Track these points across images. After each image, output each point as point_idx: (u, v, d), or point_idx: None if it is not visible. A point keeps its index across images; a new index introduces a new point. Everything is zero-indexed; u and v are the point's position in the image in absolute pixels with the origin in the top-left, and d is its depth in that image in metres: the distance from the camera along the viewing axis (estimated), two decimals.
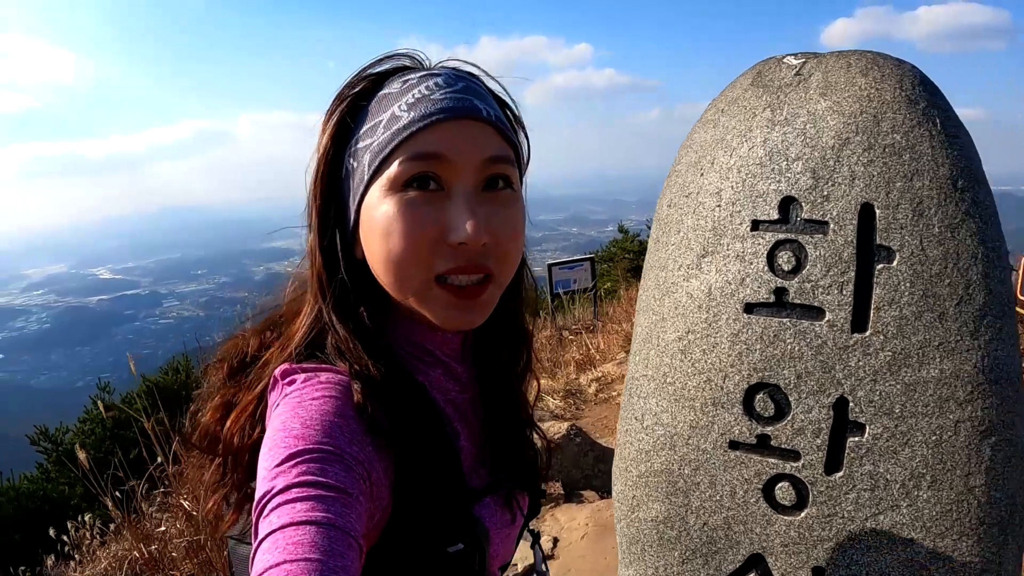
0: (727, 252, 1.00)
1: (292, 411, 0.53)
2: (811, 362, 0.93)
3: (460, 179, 0.56)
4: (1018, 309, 4.73)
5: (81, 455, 2.96)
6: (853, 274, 0.91)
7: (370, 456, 0.53)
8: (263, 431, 0.57)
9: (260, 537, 0.45)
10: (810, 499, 0.96)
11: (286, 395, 0.56)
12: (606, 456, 2.83)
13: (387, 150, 0.56)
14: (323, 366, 0.58)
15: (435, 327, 0.62)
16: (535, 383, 0.81)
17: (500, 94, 0.64)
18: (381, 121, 0.57)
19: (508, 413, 0.71)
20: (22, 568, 3.56)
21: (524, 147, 0.65)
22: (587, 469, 2.79)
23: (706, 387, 1.02)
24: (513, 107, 0.65)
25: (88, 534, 3.23)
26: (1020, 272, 4.58)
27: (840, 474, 0.94)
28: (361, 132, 0.59)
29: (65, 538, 3.22)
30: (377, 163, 0.56)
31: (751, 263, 0.98)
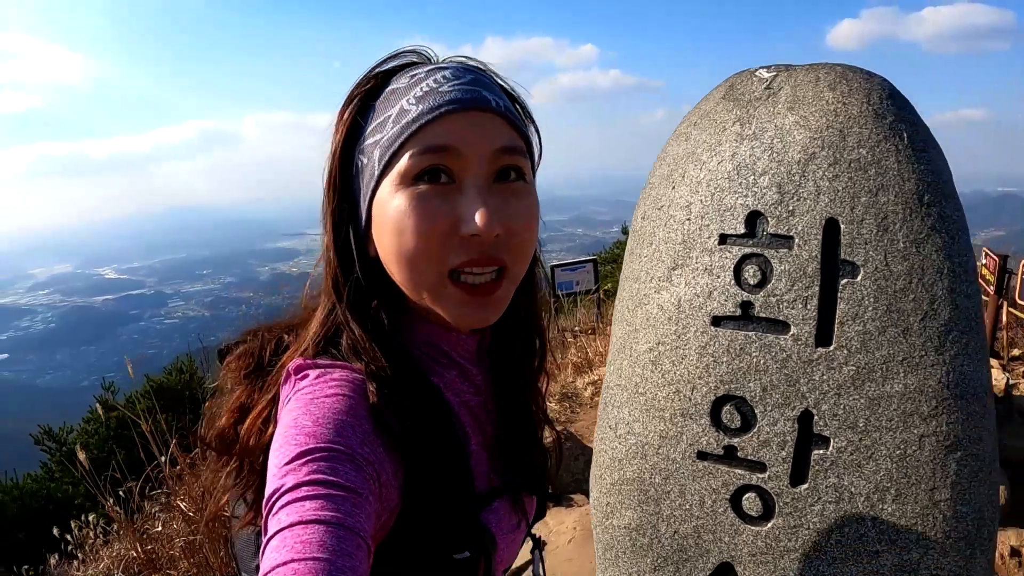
0: (696, 265, 1.01)
1: (304, 408, 0.52)
2: (776, 375, 0.94)
3: (471, 171, 0.55)
4: (1018, 313, 4.67)
5: (81, 456, 2.99)
6: (817, 289, 0.91)
7: (381, 457, 0.53)
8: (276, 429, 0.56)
9: (269, 535, 0.45)
10: (776, 510, 0.97)
11: (298, 390, 0.55)
12: None
13: (396, 144, 0.55)
14: (337, 363, 0.58)
15: (451, 327, 0.61)
16: (547, 379, 0.80)
17: (509, 89, 0.63)
18: (390, 116, 0.57)
19: (521, 417, 0.70)
20: (26, 567, 3.60)
21: (535, 140, 0.64)
22: (577, 473, 2.81)
23: (675, 398, 1.03)
24: (522, 101, 0.64)
25: (91, 533, 3.26)
26: (1020, 276, 4.56)
27: (805, 486, 0.95)
28: (370, 129, 0.58)
29: (69, 537, 3.25)
30: (387, 158, 0.56)
31: (719, 276, 0.99)
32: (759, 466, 0.97)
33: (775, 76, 1.07)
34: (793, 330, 0.93)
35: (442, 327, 0.62)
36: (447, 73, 0.57)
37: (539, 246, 0.67)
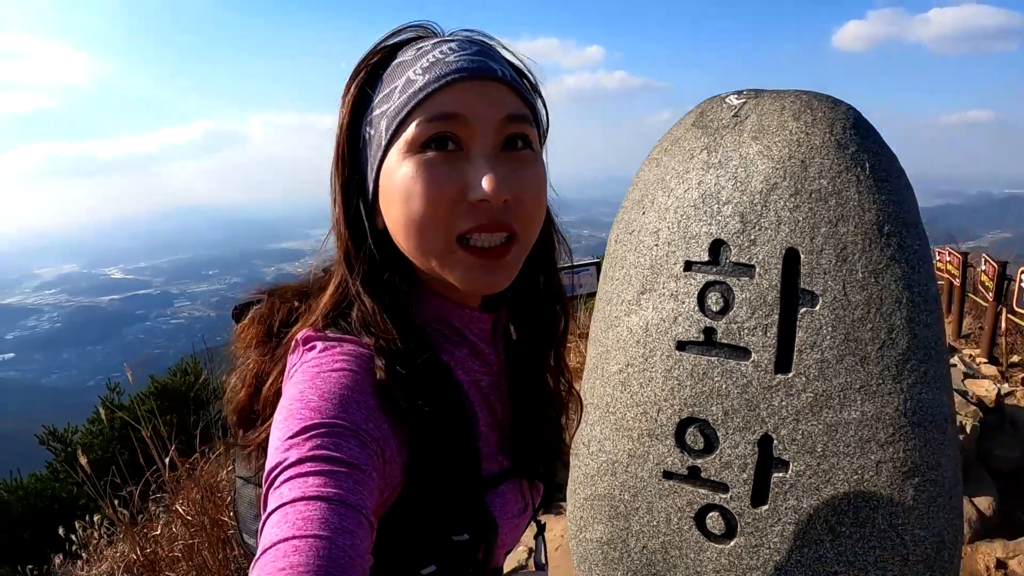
0: (663, 290, 1.04)
1: (310, 381, 0.52)
2: (737, 400, 0.96)
3: (478, 139, 0.55)
4: (1017, 321, 4.65)
5: (83, 460, 3.04)
6: (777, 317, 0.94)
7: (385, 434, 0.52)
8: None
9: (270, 509, 0.45)
10: (739, 529, 1.00)
11: (305, 362, 0.55)
12: None
13: (404, 113, 0.55)
14: (346, 337, 0.57)
15: (463, 304, 0.61)
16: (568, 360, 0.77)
17: (516, 63, 0.63)
18: (396, 87, 0.57)
19: (536, 399, 0.69)
20: (30, 567, 3.64)
21: (542, 113, 0.64)
22: (567, 480, 2.82)
23: (643, 418, 1.06)
24: (530, 75, 0.64)
25: (96, 534, 3.30)
26: (1017, 283, 4.55)
27: (766, 507, 0.97)
28: (376, 100, 0.58)
29: (73, 537, 3.29)
30: (394, 127, 0.56)
31: (684, 302, 1.01)
32: (722, 487, 1.00)
33: (743, 103, 1.09)
34: (754, 356, 0.96)
35: (453, 302, 0.62)
36: (453, 45, 0.58)
37: (557, 218, 0.67)
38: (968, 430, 2.70)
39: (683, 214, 1.04)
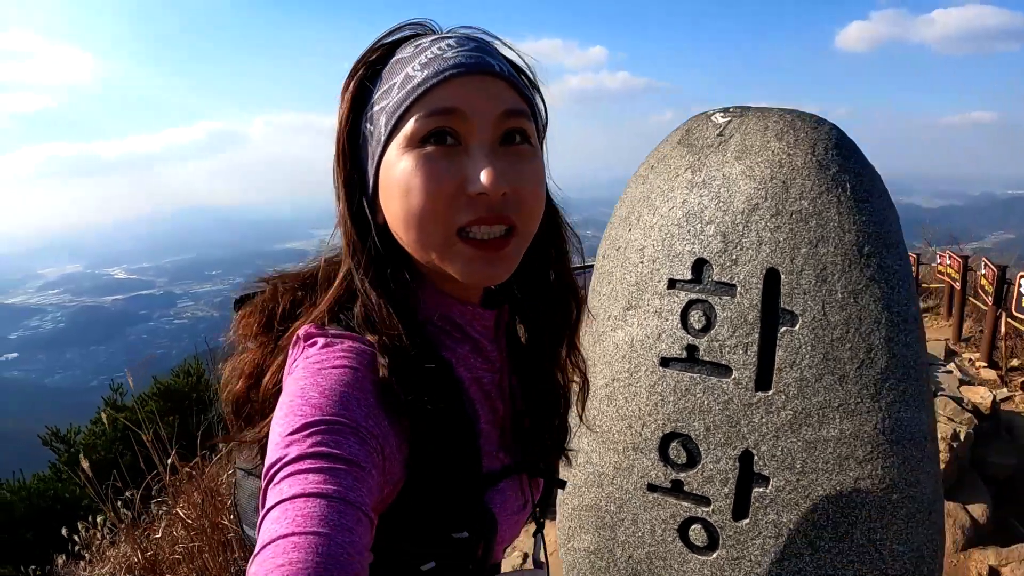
0: (647, 307, 1.06)
1: (311, 377, 0.52)
2: (719, 416, 0.98)
3: (477, 134, 0.56)
4: (1017, 325, 4.65)
5: (85, 464, 3.07)
6: (757, 336, 0.96)
7: (385, 431, 0.52)
8: None
9: (269, 505, 0.45)
10: (720, 542, 1.02)
11: (306, 357, 0.55)
12: None
13: (402, 108, 0.56)
14: (347, 333, 0.58)
15: (465, 300, 0.62)
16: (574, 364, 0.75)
17: (515, 60, 0.63)
18: (395, 83, 0.57)
19: (539, 397, 0.69)
20: (33, 567, 3.67)
21: (540, 108, 0.64)
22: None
23: (628, 432, 1.08)
24: (528, 71, 0.64)
25: (99, 534, 3.32)
26: (1016, 287, 4.55)
27: (747, 521, 0.99)
28: (376, 96, 0.59)
29: (76, 538, 3.31)
30: (393, 122, 0.56)
31: (667, 319, 1.04)
32: (704, 500, 1.02)
33: (729, 122, 1.11)
34: (735, 374, 0.98)
35: (455, 299, 0.62)
36: (451, 41, 0.58)
37: (562, 211, 0.67)
38: (962, 438, 2.71)
39: (667, 232, 1.06)
